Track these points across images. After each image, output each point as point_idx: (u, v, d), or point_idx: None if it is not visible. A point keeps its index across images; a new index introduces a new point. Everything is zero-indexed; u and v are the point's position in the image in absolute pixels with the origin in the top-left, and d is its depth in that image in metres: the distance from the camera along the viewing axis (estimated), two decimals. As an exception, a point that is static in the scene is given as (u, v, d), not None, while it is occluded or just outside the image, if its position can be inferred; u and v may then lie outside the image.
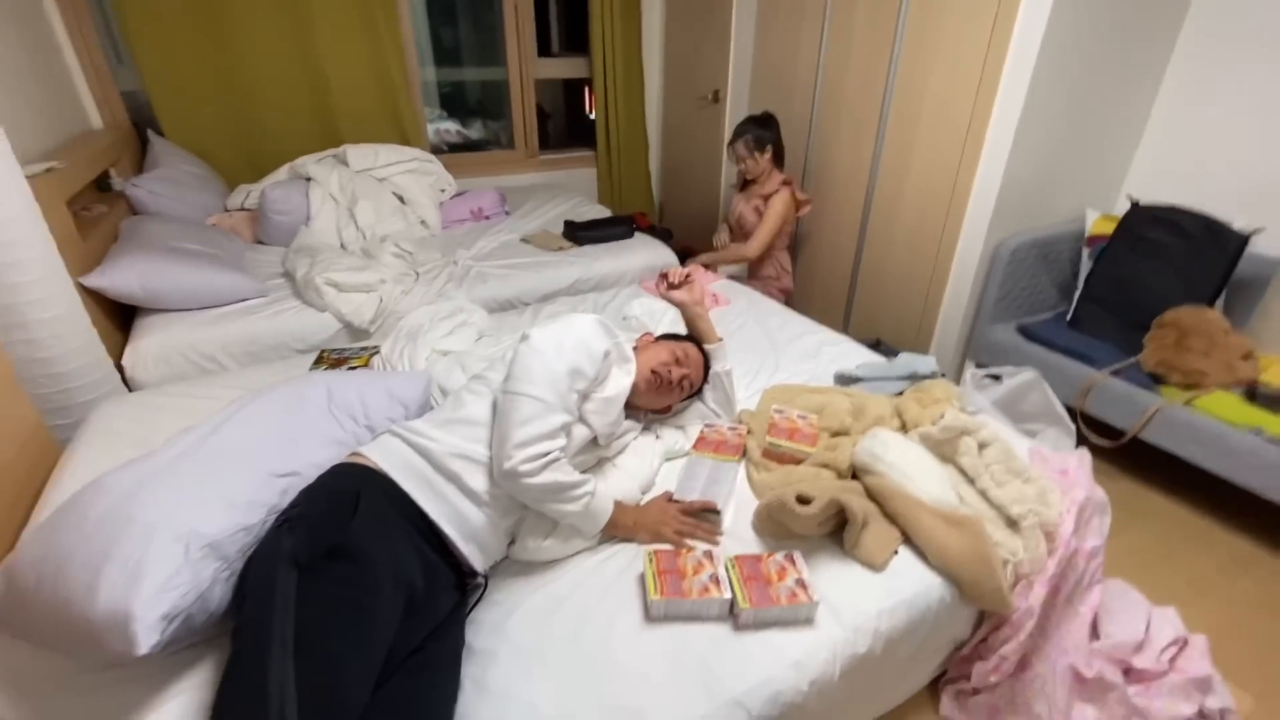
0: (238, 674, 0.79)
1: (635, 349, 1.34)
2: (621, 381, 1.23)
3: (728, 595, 1.01)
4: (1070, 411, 1.96)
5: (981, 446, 1.24)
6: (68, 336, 1.53)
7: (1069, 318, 2.29)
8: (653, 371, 1.29)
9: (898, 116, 2.32)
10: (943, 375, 1.66)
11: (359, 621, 0.83)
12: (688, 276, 1.44)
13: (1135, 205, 2.15)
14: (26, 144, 1.93)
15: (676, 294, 1.43)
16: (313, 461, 1.07)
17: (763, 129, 2.43)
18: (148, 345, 1.82)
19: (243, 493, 0.97)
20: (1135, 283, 2.10)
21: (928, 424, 1.32)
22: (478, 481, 1.06)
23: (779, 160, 2.51)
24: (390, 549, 0.93)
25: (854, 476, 1.27)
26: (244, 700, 0.76)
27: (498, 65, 3.46)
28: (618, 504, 1.15)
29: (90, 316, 1.64)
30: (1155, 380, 1.95)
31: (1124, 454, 2.06)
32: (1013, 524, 1.17)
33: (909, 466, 1.20)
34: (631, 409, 1.33)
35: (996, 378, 1.79)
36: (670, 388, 1.31)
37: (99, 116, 2.63)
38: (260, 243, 2.52)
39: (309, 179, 2.56)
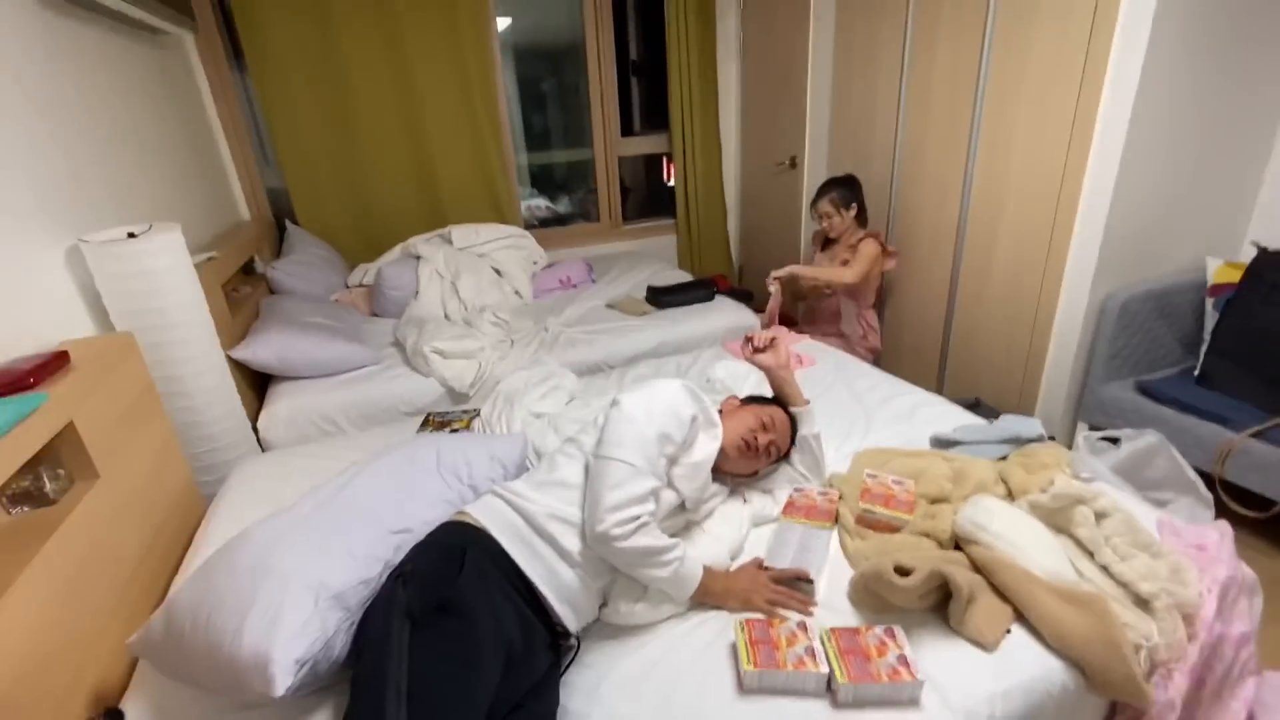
0: (357, 717, 0.85)
1: (721, 413, 1.36)
2: (708, 446, 1.25)
3: (825, 669, 0.97)
4: (1205, 479, 1.78)
5: (1100, 517, 1.15)
6: (218, 403, 1.75)
7: (1196, 374, 2.10)
8: (741, 439, 1.30)
9: (984, 169, 2.29)
10: (1051, 438, 1.56)
11: (466, 674, 0.87)
12: (773, 340, 1.45)
13: (1263, 251, 1.98)
14: (193, 235, 2.27)
15: (761, 357, 1.44)
16: (423, 519, 1.15)
17: (846, 188, 2.47)
18: (279, 409, 2.04)
19: (363, 547, 1.05)
20: (1271, 335, 1.91)
21: (1036, 491, 1.24)
22: (571, 543, 1.10)
23: (862, 218, 2.53)
24: (492, 605, 0.98)
25: (956, 547, 1.21)
26: None
27: (584, 146, 3.72)
28: (707, 570, 1.15)
29: (234, 384, 1.86)
30: (1308, 444, 1.74)
31: (1275, 527, 1.82)
32: (1143, 604, 1.06)
33: (1018, 537, 1.13)
34: (718, 473, 1.34)
35: (1114, 440, 1.66)
36: (757, 455, 1.32)
37: (247, 209, 3.05)
38: (376, 315, 2.78)
39: (418, 257, 2.82)
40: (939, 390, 2.63)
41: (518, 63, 3.50)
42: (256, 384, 2.22)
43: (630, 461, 1.11)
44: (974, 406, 2.29)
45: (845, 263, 2.49)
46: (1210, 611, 1.06)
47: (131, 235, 1.55)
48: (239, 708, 1.00)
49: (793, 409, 1.43)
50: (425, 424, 1.84)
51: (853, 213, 2.49)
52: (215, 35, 2.81)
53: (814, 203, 2.54)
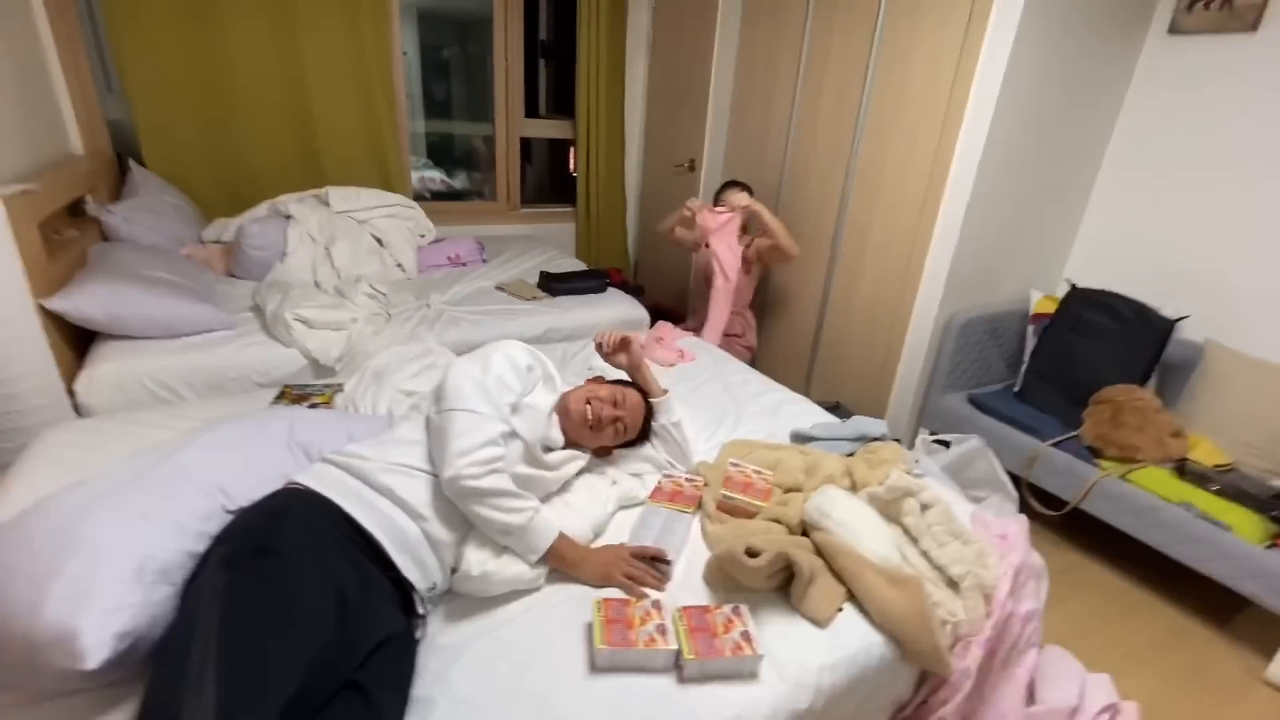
0: (162, 665, 0.78)
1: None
2: (547, 397, 1.32)
3: (674, 646, 1.01)
4: (1016, 480, 2.04)
5: (924, 508, 1.29)
6: (23, 358, 1.51)
7: (1016, 390, 2.41)
8: (586, 402, 1.34)
9: (859, 190, 2.49)
10: (895, 439, 1.73)
11: (286, 612, 0.83)
12: (623, 340, 1.49)
13: (1074, 288, 2.31)
14: (5, 163, 1.94)
15: (616, 358, 1.49)
16: (261, 497, 1.06)
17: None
18: (105, 372, 1.79)
19: (193, 521, 0.96)
20: (1075, 360, 2.24)
21: (875, 484, 1.37)
22: (411, 493, 1.08)
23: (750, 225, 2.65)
24: (317, 552, 0.93)
25: (804, 533, 1.31)
26: (163, 686, 0.75)
27: (486, 121, 3.60)
28: (564, 536, 1.16)
29: (48, 339, 1.62)
30: (1094, 454, 2.05)
31: (1067, 524, 2.13)
32: (953, 585, 1.21)
33: (856, 524, 1.24)
34: (572, 444, 1.37)
35: (945, 444, 1.87)
36: (602, 425, 1.34)
37: (80, 142, 2.65)
38: (233, 275, 2.53)
39: (289, 217, 2.59)
40: (806, 391, 2.82)
41: (421, 26, 3.31)
42: (77, 342, 1.93)
43: (473, 409, 1.13)
44: (834, 408, 2.47)
45: (748, 248, 2.61)
46: (1004, 591, 1.22)
47: (-87, 150, 1.30)
48: (24, 701, 0.87)
49: (651, 399, 1.48)
50: (280, 397, 1.70)
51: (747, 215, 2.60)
52: (50, -68, 2.41)
53: (722, 194, 2.60)
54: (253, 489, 1.06)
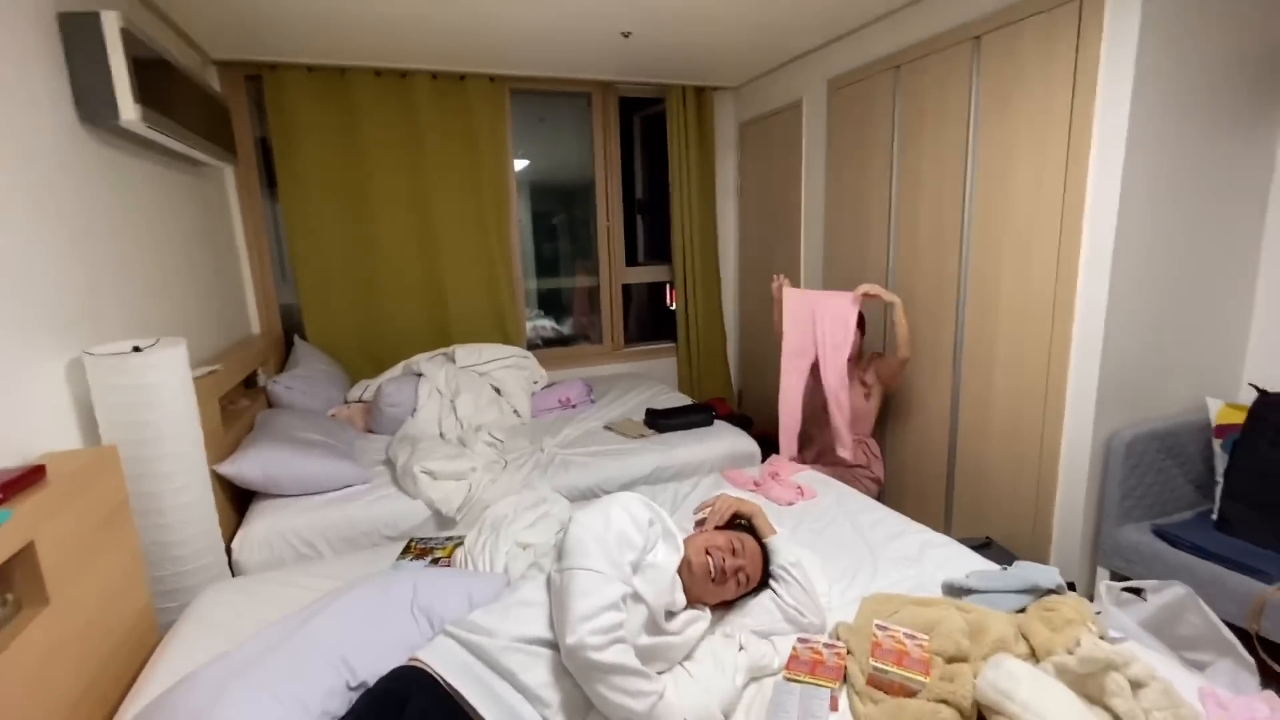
0: None
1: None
2: (669, 556, 1.24)
3: None
4: (1240, 634, 1.64)
5: (1135, 685, 1.04)
6: (194, 522, 1.67)
7: (1215, 518, 2.02)
8: (706, 552, 1.28)
9: (975, 303, 2.35)
10: (1070, 585, 1.46)
11: None
12: (732, 512, 1.49)
13: (1263, 394, 1.98)
14: (201, 348, 2.30)
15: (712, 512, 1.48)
16: (382, 671, 1.05)
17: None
18: (257, 529, 1.95)
19: (318, 700, 0.95)
20: (1286, 480, 1.86)
21: (1061, 651, 1.14)
22: (533, 676, 1.03)
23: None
24: None
25: (980, 716, 1.08)
26: None
27: (591, 274, 3.90)
28: None
29: (215, 500, 1.79)
30: (1347, 600, 1.62)
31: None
32: (1199, 797, 0.93)
33: (1049, 708, 1.02)
34: (691, 600, 1.28)
35: (1138, 592, 1.56)
36: (725, 578, 1.29)
37: (258, 324, 3.13)
38: (371, 431, 2.75)
39: (420, 374, 2.84)
40: (946, 528, 2.53)
41: (533, 197, 3.76)
42: (239, 501, 2.14)
43: (595, 568, 1.08)
44: (984, 547, 2.19)
45: (863, 380, 2.50)
46: (1277, 808, 0.93)
47: (136, 349, 1.57)
48: None
49: (764, 540, 1.41)
50: (406, 550, 1.74)
51: (865, 337, 2.52)
52: (253, 167, 3.04)
53: None
54: (376, 659, 1.06)
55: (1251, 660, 1.45)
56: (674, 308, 3.94)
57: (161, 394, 1.55)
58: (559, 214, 3.92)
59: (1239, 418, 2.02)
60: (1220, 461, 2.05)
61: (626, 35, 2.79)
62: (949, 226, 2.43)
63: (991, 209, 2.26)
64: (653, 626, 1.16)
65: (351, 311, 3.17)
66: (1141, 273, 1.98)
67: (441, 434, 2.61)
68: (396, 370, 3.01)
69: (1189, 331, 2.13)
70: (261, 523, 1.97)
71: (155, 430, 1.55)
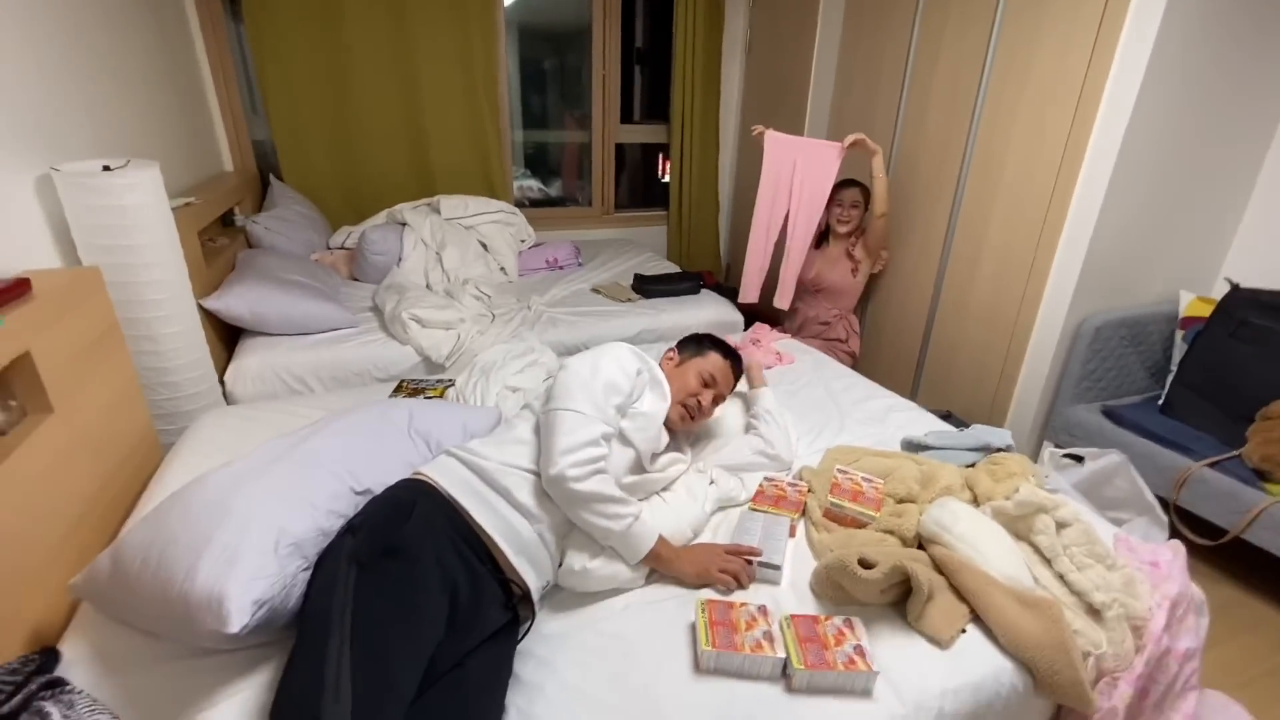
0: (301, 658, 0.84)
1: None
2: (657, 404, 1.31)
3: (781, 655, 0.98)
4: (1162, 504, 1.83)
5: (1060, 526, 1.17)
6: (185, 350, 1.69)
7: (1161, 403, 2.16)
8: (682, 404, 1.37)
9: (975, 182, 2.32)
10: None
11: (410, 616, 0.87)
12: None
13: (1235, 288, 2.04)
14: (172, 180, 2.20)
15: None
16: (384, 482, 1.13)
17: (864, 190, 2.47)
18: (248, 364, 1.99)
19: (325, 500, 1.03)
20: (1236, 370, 1.97)
21: (1001, 498, 1.26)
22: (526, 495, 1.12)
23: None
24: (438, 550, 0.98)
25: (920, 547, 1.22)
26: (303, 682, 0.80)
27: (582, 129, 3.69)
28: (662, 539, 1.16)
29: (204, 334, 1.81)
30: (1260, 476, 1.79)
31: (1225, 555, 1.88)
32: (1095, 613, 1.09)
33: (980, 540, 1.15)
34: (673, 435, 1.39)
35: (1078, 459, 1.70)
36: (702, 414, 1.41)
37: (231, 160, 2.97)
38: (355, 279, 2.73)
39: (404, 224, 2.77)
40: (913, 396, 2.67)
41: (521, 41, 3.45)
42: (226, 337, 2.16)
43: (578, 409, 1.15)
44: (945, 418, 2.32)
45: (849, 254, 2.51)
46: (1159, 625, 1.09)
47: (107, 168, 1.49)
48: (182, 654, 0.97)
49: (754, 388, 1.61)
50: (398, 390, 1.80)
51: (865, 210, 2.48)
52: (212, -17, 2.73)
53: (833, 195, 2.47)
54: (378, 471, 1.13)
55: (1165, 519, 1.63)
56: (666, 180, 3.80)
57: (140, 217, 1.51)
58: (549, 60, 3.63)
59: (1206, 311, 2.09)
60: (1179, 351, 2.16)
61: None
62: (962, 100, 2.32)
63: (1008, 84, 2.15)
64: (638, 467, 1.26)
65: (329, 153, 3.00)
66: (1146, 162, 1.94)
67: (428, 285, 2.61)
68: (379, 218, 2.93)
69: (1178, 225, 2.14)
70: (253, 358, 2.01)
71: (138, 256, 1.53)
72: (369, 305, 2.43)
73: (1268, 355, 1.92)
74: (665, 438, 1.35)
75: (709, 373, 1.42)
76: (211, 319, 2.02)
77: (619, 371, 1.26)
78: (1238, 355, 1.98)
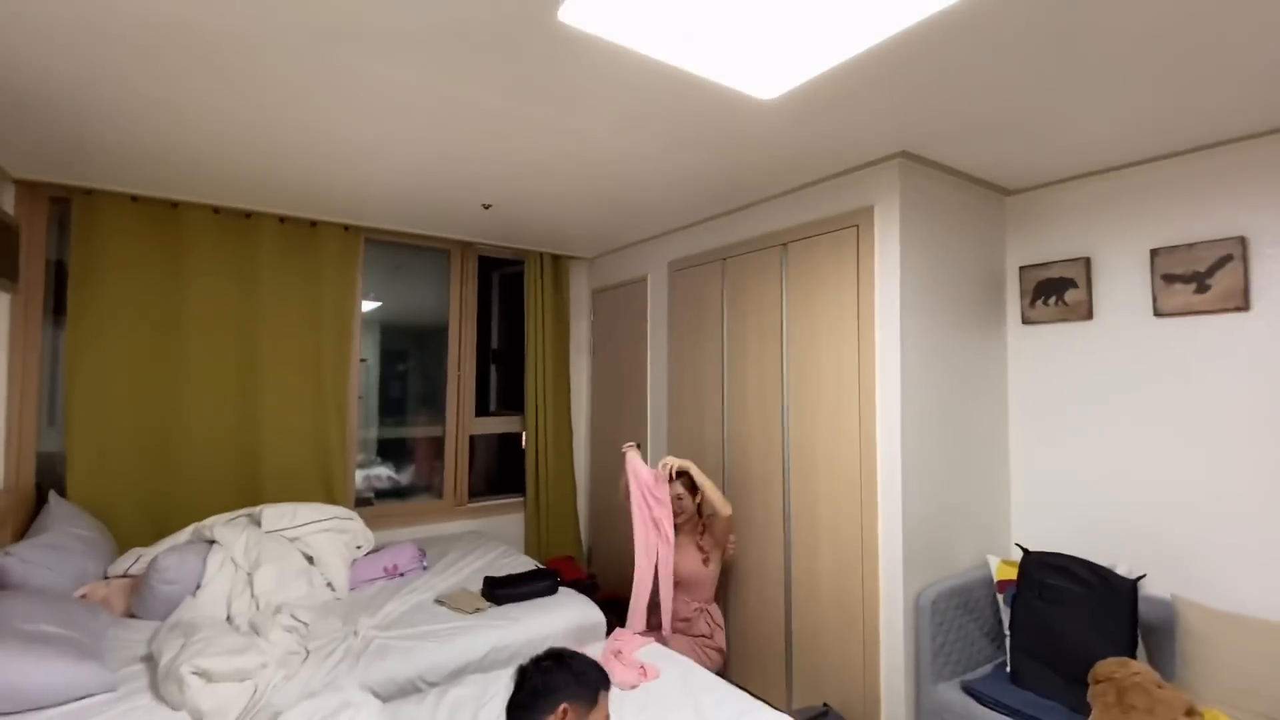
0: None
1: None
2: None
3: None
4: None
5: None
6: None
7: (1009, 671, 2.22)
8: None
9: (798, 473, 2.57)
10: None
11: None
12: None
13: (1026, 553, 2.30)
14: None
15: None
16: None
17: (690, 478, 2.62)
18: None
19: None
20: (1054, 631, 2.12)
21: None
22: None
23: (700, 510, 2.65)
24: None
25: None
26: None
27: (438, 423, 3.73)
28: None
29: None
30: (1115, 748, 1.81)
31: None
32: None
33: None
34: None
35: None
36: None
37: (2, 477, 2.54)
38: (134, 616, 2.24)
39: (212, 542, 2.42)
40: (788, 694, 2.53)
41: (384, 336, 3.63)
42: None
43: None
44: (823, 716, 2.19)
45: (699, 545, 2.54)
46: None
47: None
48: None
49: None
50: (151, 790, 1.36)
51: (698, 499, 2.62)
52: (38, 294, 2.65)
53: (669, 481, 2.61)
54: None
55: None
56: (525, 449, 3.84)
57: None
58: (411, 356, 3.80)
59: (1013, 573, 2.31)
60: (1005, 614, 2.31)
61: (487, 207, 2.97)
62: (771, 403, 2.70)
63: (804, 389, 2.56)
64: None
65: (135, 462, 2.69)
66: (925, 446, 2.31)
67: (230, 617, 2.19)
68: (183, 535, 2.54)
69: (968, 497, 2.48)
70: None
71: None
72: (142, 654, 1.96)
73: (1072, 615, 2.11)
74: None
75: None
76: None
77: None
78: (1050, 617, 2.15)
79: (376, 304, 3.57)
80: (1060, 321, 2.52)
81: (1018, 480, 2.64)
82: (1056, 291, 2.53)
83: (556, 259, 3.96)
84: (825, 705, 2.28)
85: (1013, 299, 2.67)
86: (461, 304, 3.75)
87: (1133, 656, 1.98)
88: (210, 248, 2.88)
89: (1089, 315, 2.45)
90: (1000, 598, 2.34)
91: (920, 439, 2.29)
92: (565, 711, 1.27)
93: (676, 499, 2.61)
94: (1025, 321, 2.62)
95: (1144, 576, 2.11)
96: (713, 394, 3.01)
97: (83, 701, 1.70)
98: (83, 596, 2.20)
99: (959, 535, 2.44)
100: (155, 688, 1.76)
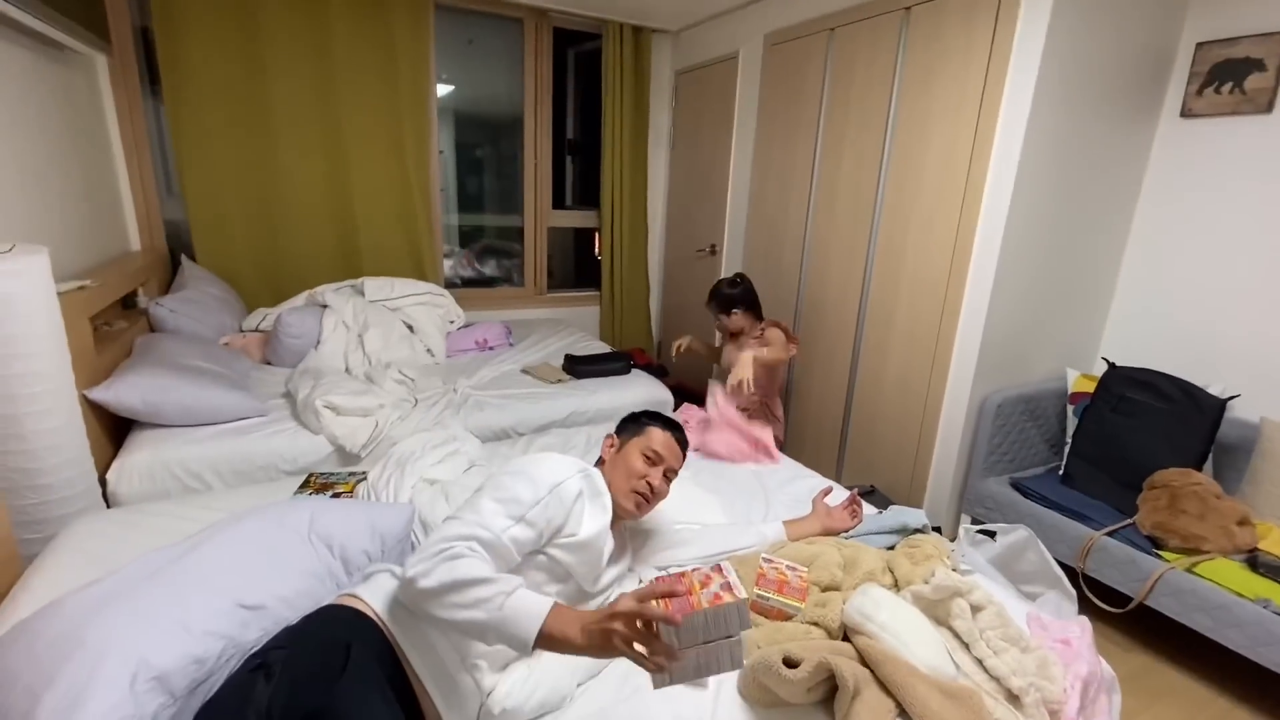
0: None
1: (602, 463, 1.35)
2: (598, 520, 1.18)
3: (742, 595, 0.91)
4: (1070, 573, 1.90)
5: (976, 610, 1.19)
6: (61, 448, 1.53)
7: (1061, 474, 2.29)
8: (634, 491, 1.28)
9: (881, 274, 2.50)
10: (935, 529, 1.63)
11: None
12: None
13: (1112, 366, 2.24)
14: (69, 260, 2.07)
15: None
16: (281, 595, 1.03)
17: (731, 288, 2.49)
18: (137, 460, 1.82)
19: (201, 621, 0.93)
20: (1121, 442, 2.13)
21: (919, 581, 1.28)
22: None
23: (757, 312, 2.56)
24: (372, 715, 0.83)
25: (845, 637, 1.21)
26: None
27: (516, 213, 3.77)
28: (559, 609, 0.88)
29: (86, 430, 1.65)
30: (1154, 543, 1.91)
31: (1133, 622, 1.96)
32: (1014, 698, 1.09)
33: (902, 629, 1.15)
34: (618, 533, 1.31)
35: (991, 534, 1.76)
36: (656, 495, 1.31)
37: (138, 239, 2.83)
38: (268, 364, 2.60)
39: (325, 306, 2.69)
40: (838, 476, 2.73)
41: (457, 126, 3.56)
42: (114, 430, 1.98)
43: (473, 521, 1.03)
44: (869, 494, 2.39)
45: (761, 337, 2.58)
46: (1073, 708, 1.10)
47: (-15, 254, 1.39)
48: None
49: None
50: (305, 485, 1.69)
51: (736, 315, 2.51)
52: (130, 59, 2.69)
53: (710, 306, 2.55)
54: (274, 583, 1.03)
55: (1074, 592, 1.69)
56: (600, 257, 3.91)
57: (18, 306, 1.40)
58: (485, 146, 3.74)
59: (1090, 387, 2.28)
60: (1071, 425, 2.32)
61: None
62: (864, 197, 2.53)
63: (904, 181, 2.37)
64: (580, 595, 1.19)
65: (248, 233, 2.92)
66: (1026, 252, 2.16)
67: (348, 369, 2.51)
68: (299, 300, 2.83)
69: (1059, 309, 2.36)
70: (143, 453, 1.84)
71: (11, 347, 1.40)
72: (282, 391, 2.31)
73: (1145, 428, 2.10)
74: (609, 546, 1.24)
75: (653, 449, 1.33)
76: (97, 411, 1.85)
77: (558, 506, 1.13)
78: (1121, 428, 2.15)
79: (450, 87, 3.43)
80: (1231, 115, 2.14)
81: (1122, 295, 2.47)
82: (1236, 76, 2.11)
83: (638, 31, 3.58)
84: (872, 486, 2.47)
85: (1176, 87, 2.26)
86: (537, 84, 3.54)
87: (1198, 470, 1.99)
88: (279, 9, 2.76)
89: (1268, 107, 2.06)
90: (1071, 409, 2.34)
91: (1022, 245, 2.13)
92: (611, 439, 1.41)
93: (716, 320, 2.53)
94: (1185, 114, 2.24)
95: (1237, 396, 2.04)
96: (799, 190, 2.85)
97: (240, 422, 2.06)
98: (225, 344, 2.55)
99: (1039, 347, 2.37)
100: (297, 416, 2.10)
